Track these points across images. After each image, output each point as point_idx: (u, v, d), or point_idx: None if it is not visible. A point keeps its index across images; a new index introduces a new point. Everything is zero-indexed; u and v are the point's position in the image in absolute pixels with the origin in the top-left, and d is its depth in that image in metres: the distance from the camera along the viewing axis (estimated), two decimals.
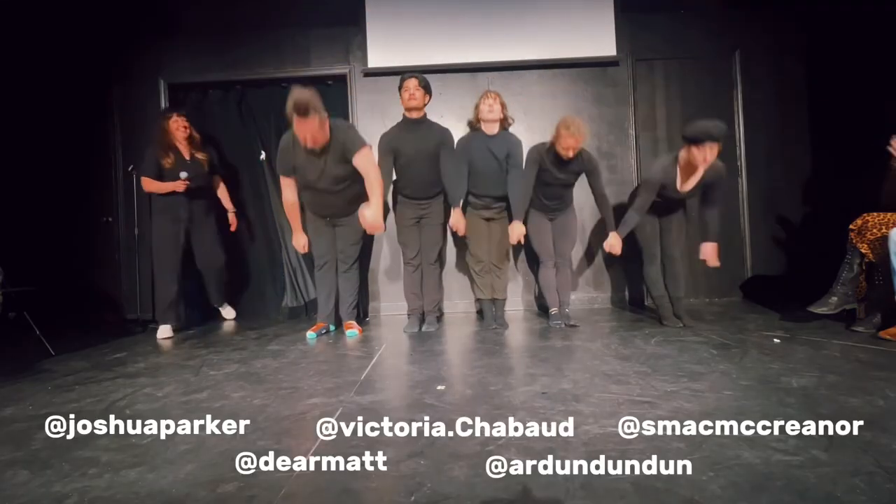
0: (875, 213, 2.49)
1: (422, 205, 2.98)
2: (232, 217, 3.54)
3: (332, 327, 3.02)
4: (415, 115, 2.89)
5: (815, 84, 3.67)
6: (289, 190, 2.79)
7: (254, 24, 3.76)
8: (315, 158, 2.65)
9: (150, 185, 3.20)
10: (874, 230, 2.45)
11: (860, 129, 3.25)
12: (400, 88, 2.89)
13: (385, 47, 3.65)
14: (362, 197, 2.72)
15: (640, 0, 3.67)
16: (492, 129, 2.93)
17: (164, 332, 3.14)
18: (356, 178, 2.69)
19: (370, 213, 2.59)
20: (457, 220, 2.91)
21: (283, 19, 3.74)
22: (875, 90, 3.18)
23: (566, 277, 3.03)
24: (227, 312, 3.66)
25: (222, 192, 3.52)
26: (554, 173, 2.83)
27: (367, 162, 2.66)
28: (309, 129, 2.51)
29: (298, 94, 2.48)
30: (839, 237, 2.62)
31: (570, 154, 2.73)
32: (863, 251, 2.49)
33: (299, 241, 2.92)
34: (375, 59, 3.66)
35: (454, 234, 3.14)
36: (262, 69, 3.76)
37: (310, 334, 2.86)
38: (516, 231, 2.83)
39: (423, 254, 3.02)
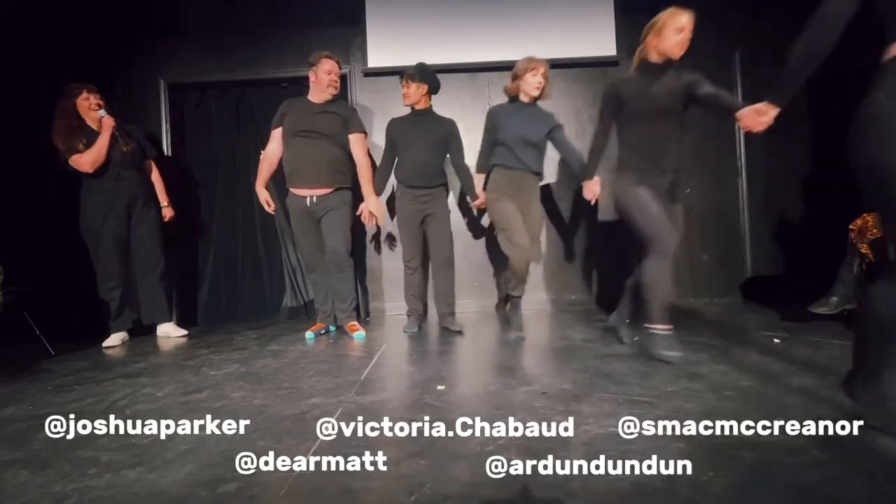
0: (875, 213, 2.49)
1: (422, 196, 2.86)
2: (166, 210, 3.16)
3: (331, 328, 3.02)
4: (419, 107, 2.88)
5: (815, 84, 3.65)
6: (274, 142, 2.87)
7: (254, 25, 3.76)
8: (314, 111, 2.81)
9: (82, 157, 2.80)
10: (874, 230, 2.45)
11: None
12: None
13: (385, 47, 3.65)
14: (342, 170, 2.86)
15: (640, 0, 3.67)
16: (528, 100, 2.69)
17: (114, 340, 2.92)
18: (341, 143, 2.84)
19: (370, 204, 2.85)
20: (481, 198, 2.82)
21: (283, 19, 3.74)
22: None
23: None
24: (171, 330, 3.11)
25: (156, 179, 3.16)
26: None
27: (361, 147, 2.89)
28: (338, 74, 2.83)
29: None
30: (839, 237, 2.62)
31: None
32: (863, 251, 2.49)
33: (262, 195, 2.88)
34: (375, 59, 3.66)
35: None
36: (262, 69, 3.76)
37: (308, 334, 2.86)
38: (592, 189, 2.46)
39: (435, 252, 2.93)
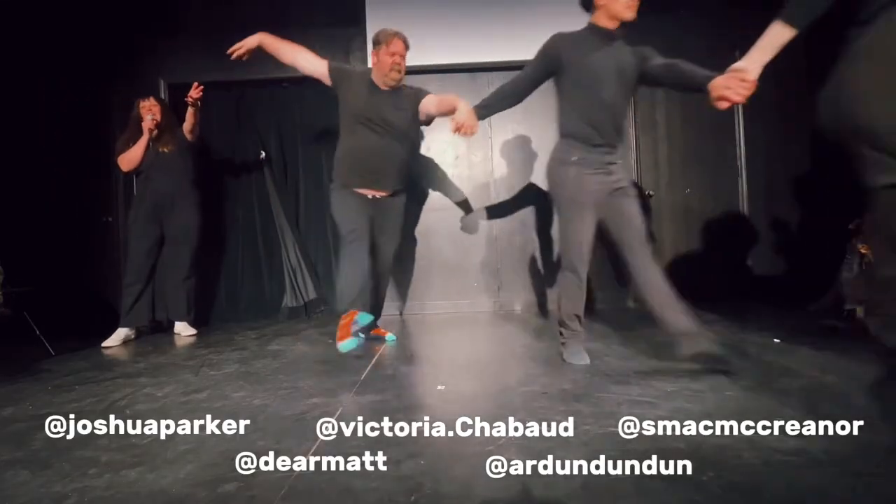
0: None
1: (608, 163, 1.94)
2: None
3: (367, 317, 2.30)
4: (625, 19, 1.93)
5: (815, 83, 3.67)
6: (313, 62, 2.54)
7: (254, 24, 3.71)
8: (388, 102, 2.47)
9: (122, 157, 3.06)
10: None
11: None
12: None
13: None
14: (405, 171, 2.63)
15: (640, 0, 3.67)
16: None
17: (115, 338, 2.92)
18: (409, 139, 2.68)
19: (462, 111, 2.12)
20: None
21: (282, 19, 3.74)
22: None
23: None
24: (182, 329, 3.18)
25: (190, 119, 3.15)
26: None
27: (436, 97, 2.50)
28: (404, 58, 2.47)
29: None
30: (839, 237, 2.62)
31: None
32: (862, 251, 2.49)
33: (252, 42, 2.53)
34: None
35: None
36: (262, 69, 3.75)
37: (347, 342, 2.22)
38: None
39: (631, 236, 1.95)
